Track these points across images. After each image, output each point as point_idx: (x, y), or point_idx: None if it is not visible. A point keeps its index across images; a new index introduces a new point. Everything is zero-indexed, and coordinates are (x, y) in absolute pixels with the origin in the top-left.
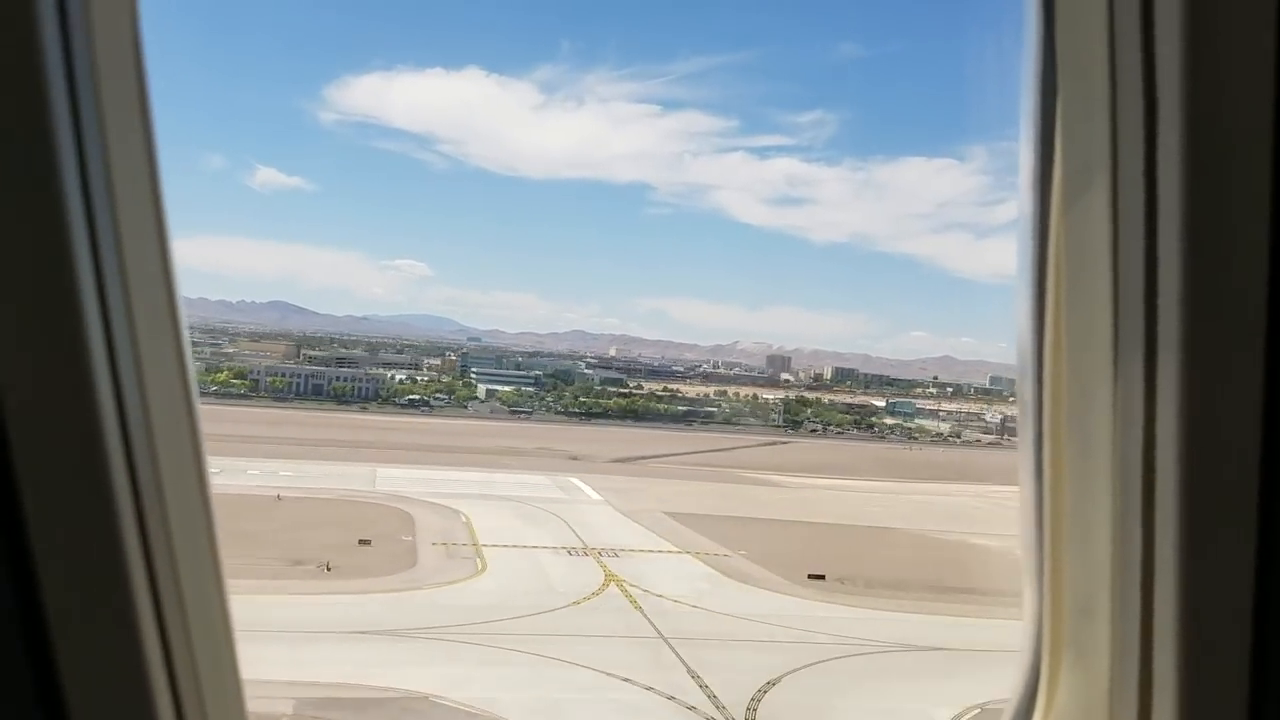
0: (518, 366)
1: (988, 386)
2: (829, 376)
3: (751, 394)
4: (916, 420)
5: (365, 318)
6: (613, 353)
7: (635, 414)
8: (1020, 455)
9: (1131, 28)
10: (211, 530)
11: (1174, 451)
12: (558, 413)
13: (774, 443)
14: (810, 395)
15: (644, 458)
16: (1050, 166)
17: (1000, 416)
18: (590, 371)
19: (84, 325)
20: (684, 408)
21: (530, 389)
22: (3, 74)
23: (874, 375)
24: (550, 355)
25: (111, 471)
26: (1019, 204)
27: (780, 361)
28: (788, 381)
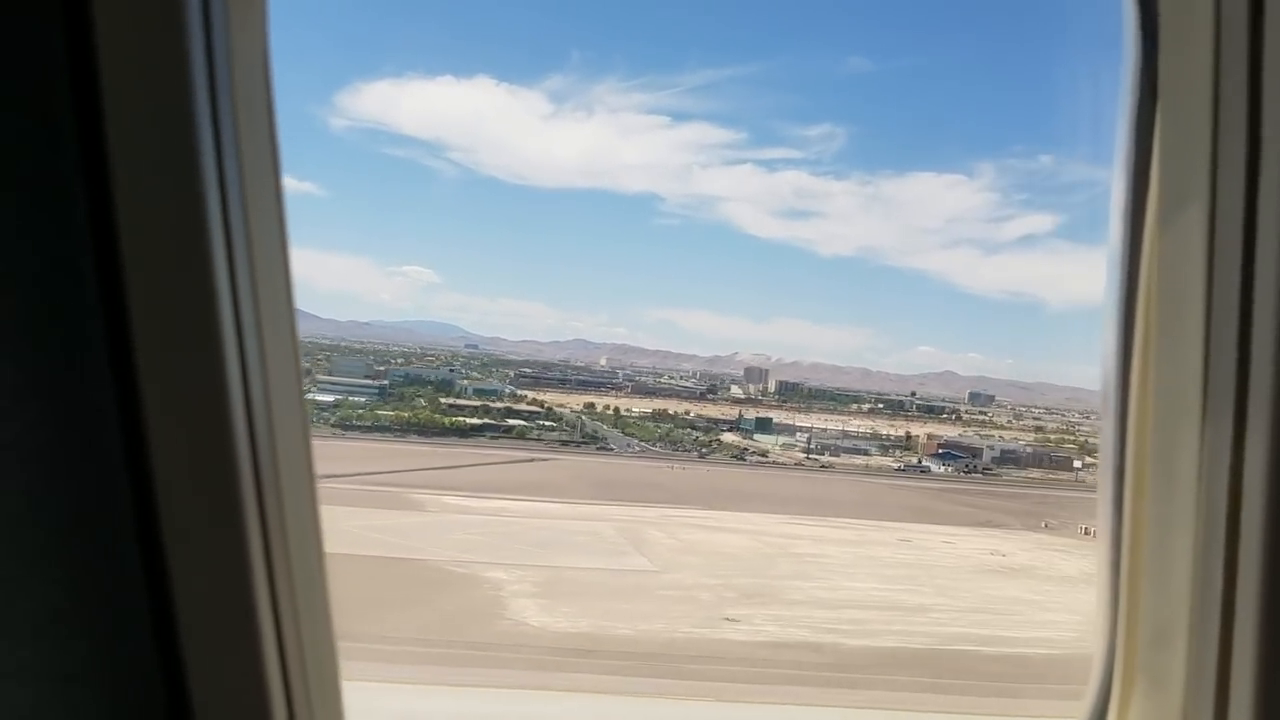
0: (377, 374)
1: (933, 405)
2: (773, 390)
3: (656, 409)
4: (756, 436)
5: (368, 323)
6: (603, 363)
7: (440, 429)
8: (1100, 485)
9: (1238, 59)
10: (319, 531)
11: (1261, 490)
12: (347, 427)
13: (536, 459)
14: (699, 411)
15: (338, 475)
16: (1143, 196)
17: (900, 433)
18: (466, 382)
19: (220, 327)
20: (518, 421)
21: (361, 399)
22: (156, 95)
23: (820, 389)
24: (461, 359)
25: (239, 470)
26: (1110, 233)
27: (757, 374)
28: (731, 397)
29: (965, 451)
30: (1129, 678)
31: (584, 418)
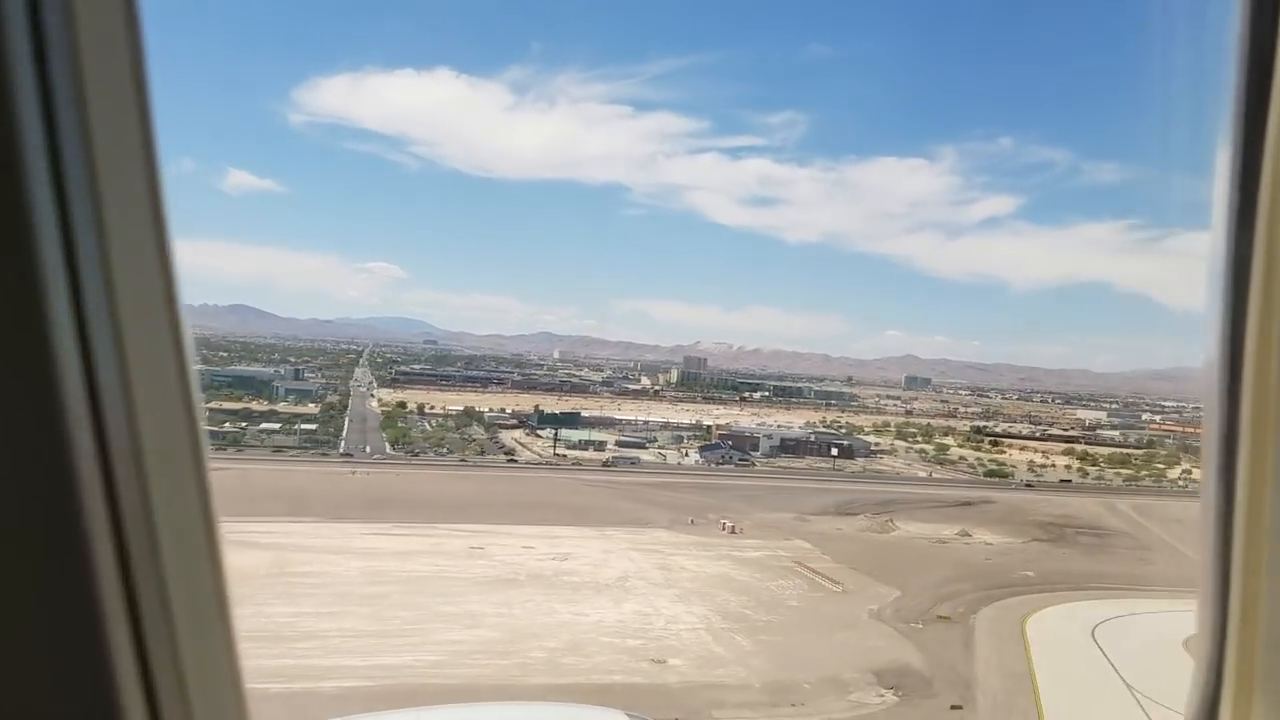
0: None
1: (833, 391)
2: (675, 380)
3: (468, 406)
4: (540, 433)
5: (330, 321)
6: (556, 355)
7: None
8: (1203, 484)
9: None
10: (213, 532)
11: None
12: None
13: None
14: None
15: None
16: (1252, 191)
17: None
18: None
19: (49, 325)
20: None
21: None
22: None
23: (725, 377)
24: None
25: (78, 462)
26: (1212, 232)
27: (696, 363)
28: (635, 390)
29: (744, 442)
30: (1244, 681)
31: (350, 420)
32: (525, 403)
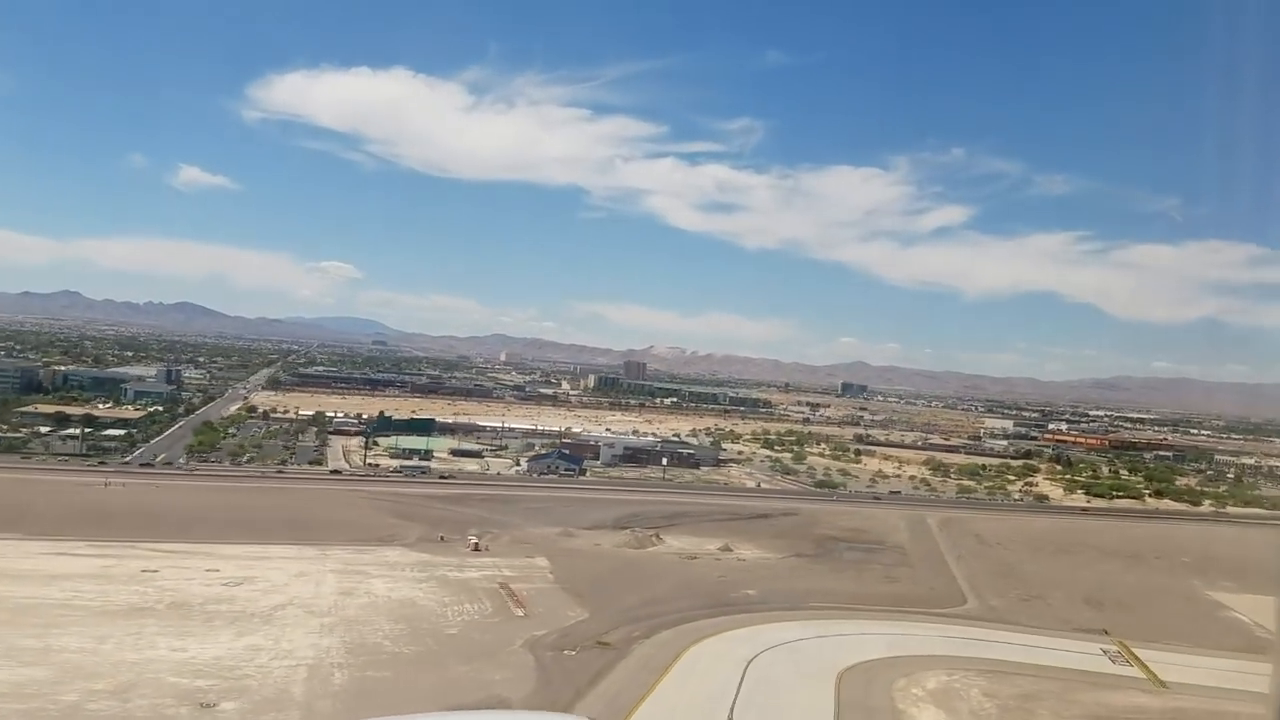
0: None
1: (747, 398)
2: (591, 385)
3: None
4: (378, 441)
5: (280, 321)
6: (503, 358)
7: None
8: None
9: None
10: None
11: None
12: None
13: None
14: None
15: None
16: None
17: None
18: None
19: None
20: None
21: None
22: None
23: (640, 385)
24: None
25: None
26: None
27: (636, 368)
28: (549, 395)
29: (584, 452)
30: None
31: (179, 427)
32: (423, 407)
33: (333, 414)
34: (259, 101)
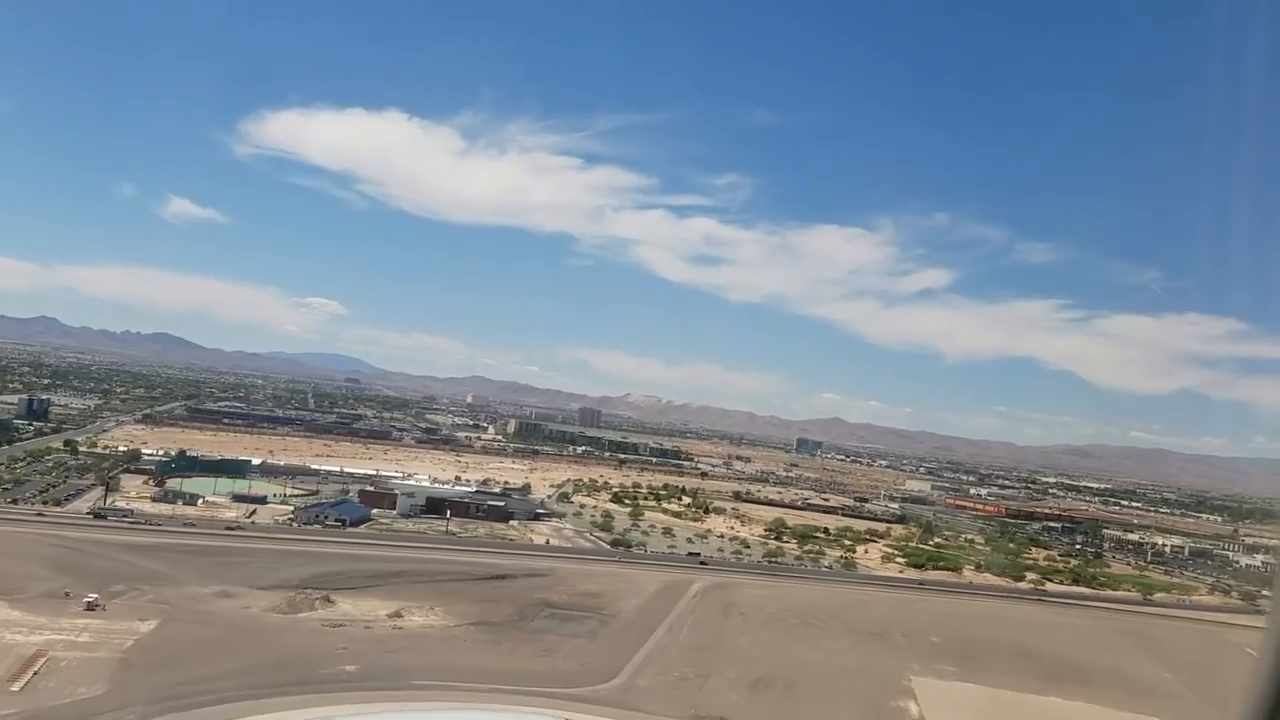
0: None
1: (666, 449)
2: (512, 431)
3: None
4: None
5: (258, 354)
6: (469, 399)
7: None
8: None
9: None
10: None
11: None
12: None
13: None
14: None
15: None
16: None
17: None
18: None
19: None
20: None
21: None
22: None
23: (559, 431)
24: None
25: None
26: None
27: (591, 415)
28: (465, 440)
29: (381, 500)
30: None
31: None
32: (305, 447)
33: (161, 452)
34: (252, 137)
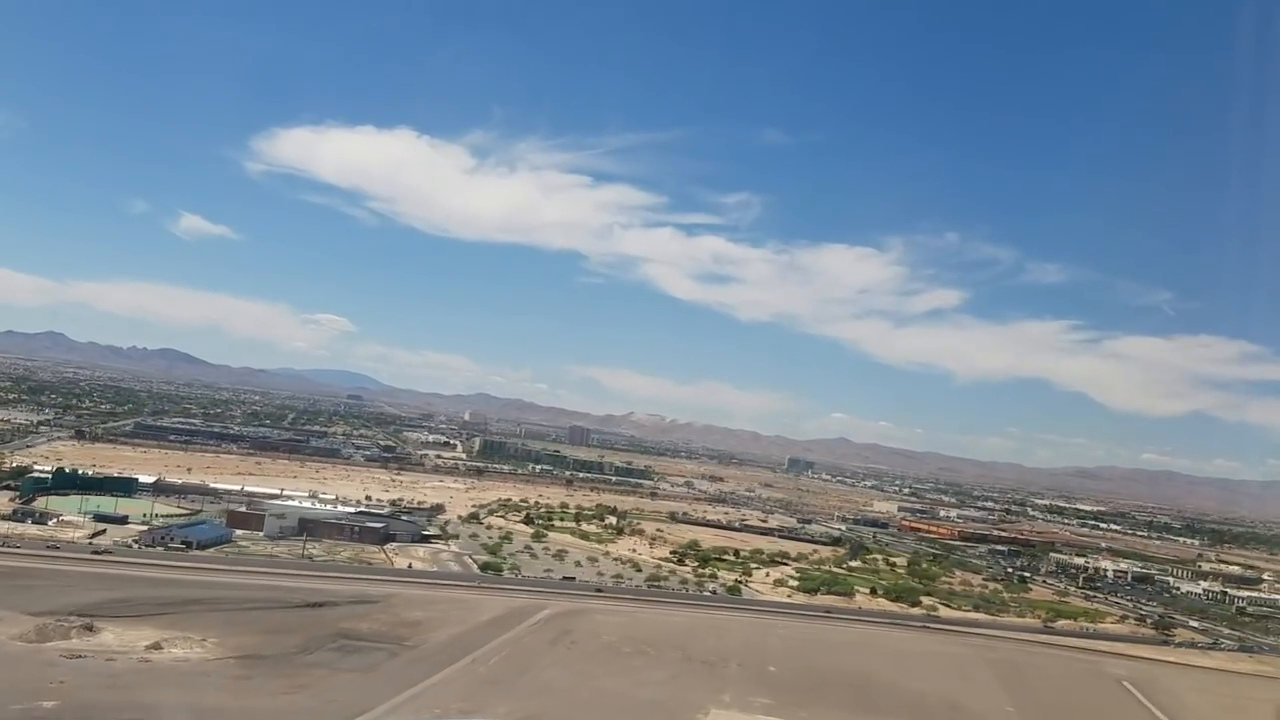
0: None
1: (636, 469)
2: (477, 450)
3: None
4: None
5: (264, 371)
6: (466, 416)
7: None
8: None
9: None
10: None
11: None
12: None
13: None
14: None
15: None
16: None
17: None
18: None
19: None
20: None
21: None
22: None
23: (530, 450)
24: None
25: None
26: None
27: (580, 434)
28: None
29: (247, 521)
30: None
31: None
32: (242, 466)
33: (54, 468)
34: (264, 154)
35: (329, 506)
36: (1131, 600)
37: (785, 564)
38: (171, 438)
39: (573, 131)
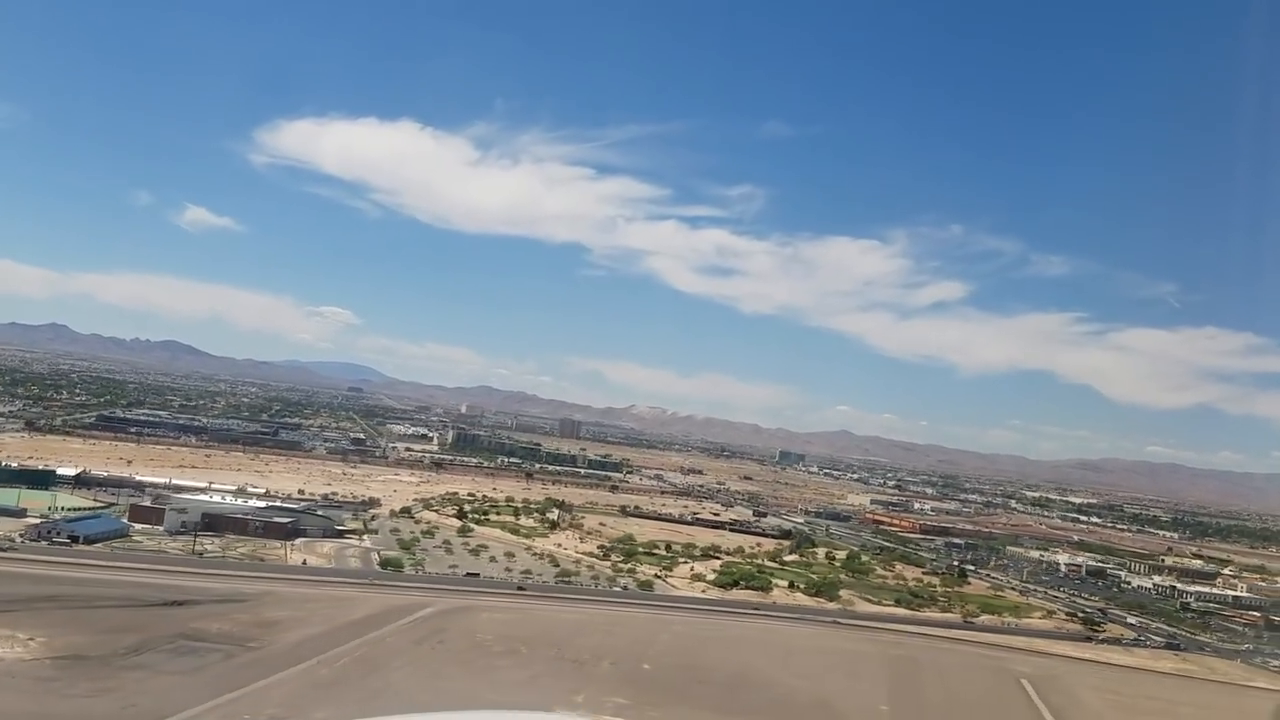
0: None
1: (600, 461)
2: (450, 442)
3: None
4: None
5: (267, 363)
6: (463, 409)
7: None
8: None
9: None
10: None
11: None
12: None
13: None
14: None
15: None
16: None
17: None
18: None
19: None
20: None
21: None
22: None
23: (498, 441)
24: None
25: None
26: None
27: (570, 427)
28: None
29: (149, 515)
30: None
31: None
32: (191, 459)
33: None
34: (267, 146)
35: (241, 501)
36: (1075, 594)
37: (717, 558)
38: (132, 430)
39: (575, 123)
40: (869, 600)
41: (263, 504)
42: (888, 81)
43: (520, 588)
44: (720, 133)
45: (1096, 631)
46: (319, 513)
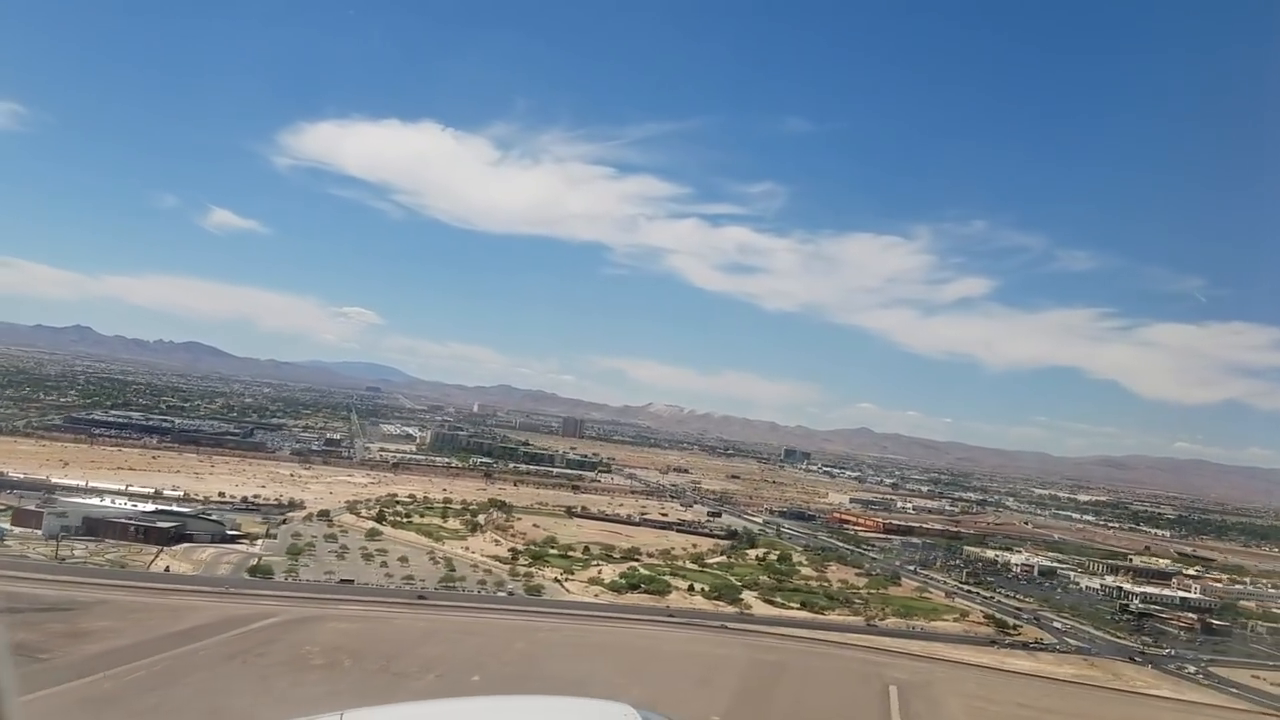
0: None
1: (580, 460)
2: (428, 442)
3: None
4: None
5: (290, 363)
6: (475, 408)
7: None
8: None
9: None
10: None
11: None
12: None
13: None
14: None
15: None
16: None
17: None
18: None
19: None
20: None
21: None
22: None
23: (479, 442)
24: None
25: None
26: None
27: (574, 425)
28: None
29: (28, 519)
30: None
31: None
32: (138, 460)
33: None
34: (290, 148)
35: (129, 504)
36: (1013, 595)
37: (637, 560)
38: (96, 431)
39: (596, 122)
40: (770, 603)
41: (151, 507)
42: (909, 77)
43: (369, 593)
44: (740, 130)
45: (1006, 635)
46: (213, 517)
